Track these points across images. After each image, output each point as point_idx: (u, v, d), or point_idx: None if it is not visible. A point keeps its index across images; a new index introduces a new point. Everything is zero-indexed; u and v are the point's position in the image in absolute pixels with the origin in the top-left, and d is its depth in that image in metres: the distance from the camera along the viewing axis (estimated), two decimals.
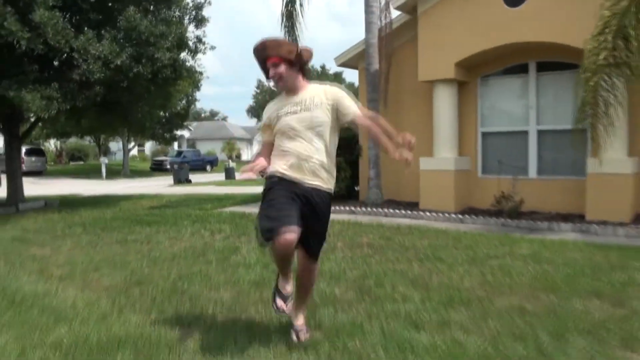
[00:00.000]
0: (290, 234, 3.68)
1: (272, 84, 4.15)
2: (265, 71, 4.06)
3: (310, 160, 3.95)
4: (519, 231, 9.51)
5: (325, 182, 4.05)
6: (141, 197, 18.57)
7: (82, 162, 53.91)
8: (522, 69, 11.90)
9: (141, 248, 8.43)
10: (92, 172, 40.04)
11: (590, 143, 9.85)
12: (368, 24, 13.09)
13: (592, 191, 10.25)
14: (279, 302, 4.14)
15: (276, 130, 4.07)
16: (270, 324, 4.68)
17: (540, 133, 11.66)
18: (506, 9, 11.05)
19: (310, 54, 4.11)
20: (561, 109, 11.21)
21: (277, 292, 4.19)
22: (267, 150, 4.22)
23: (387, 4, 12.92)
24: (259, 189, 4.62)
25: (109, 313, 5.13)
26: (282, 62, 3.92)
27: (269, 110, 4.18)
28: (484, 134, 12.36)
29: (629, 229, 9.31)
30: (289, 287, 4.18)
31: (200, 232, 9.89)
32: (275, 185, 3.93)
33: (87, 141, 51.80)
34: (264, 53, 3.97)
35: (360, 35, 12.93)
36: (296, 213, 3.81)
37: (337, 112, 4.02)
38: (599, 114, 9.39)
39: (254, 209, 12.87)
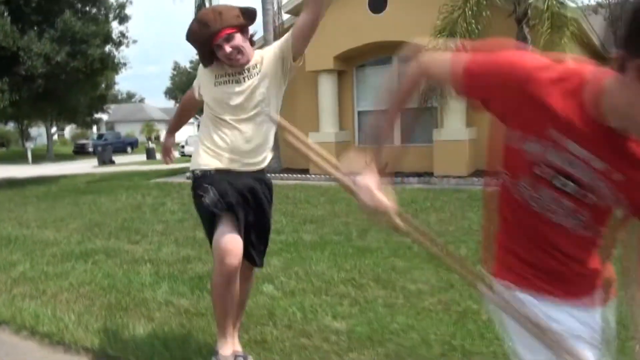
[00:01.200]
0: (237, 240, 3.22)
1: (229, 63, 3.24)
2: (208, 54, 3.26)
3: (248, 147, 3.29)
4: None
5: (265, 159, 3.45)
6: (74, 176, 20.79)
7: (4, 149, 54.38)
8: (388, 61, 14.94)
9: (90, 207, 11.02)
10: (17, 158, 41.12)
11: (437, 118, 13.06)
12: (265, 24, 15.88)
13: (438, 154, 13.43)
14: None
15: (208, 100, 3.34)
16: (193, 241, 7.47)
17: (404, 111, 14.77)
18: (371, 15, 14.13)
19: (254, 13, 3.33)
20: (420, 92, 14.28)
21: None
22: (183, 113, 3.91)
23: (279, 9, 15.74)
24: (179, 166, 6.31)
25: (81, 240, 7.80)
26: (235, 30, 3.16)
27: (204, 73, 3.41)
28: (360, 112, 15.45)
29: (459, 180, 12.51)
30: (233, 348, 3.52)
31: (133, 196, 12.49)
32: (206, 182, 3.25)
33: (9, 127, 52.23)
34: (209, 30, 3.13)
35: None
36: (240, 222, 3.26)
37: (284, 59, 3.31)
38: (438, 98, 12.57)
39: (175, 179, 15.55)
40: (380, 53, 14.84)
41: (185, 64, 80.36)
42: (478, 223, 7.71)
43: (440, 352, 3.74)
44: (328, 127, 15.13)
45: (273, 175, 14.84)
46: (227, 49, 3.15)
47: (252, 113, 3.28)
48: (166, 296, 5.05)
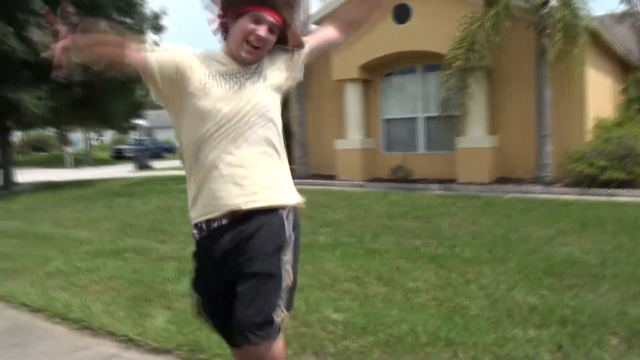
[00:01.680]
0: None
1: (240, 47, 2.36)
2: (232, 13, 2.37)
3: (250, 179, 2.33)
4: (401, 191, 12.90)
5: (275, 196, 2.42)
6: (110, 180, 21.53)
7: (45, 153, 55.76)
8: (413, 70, 15.34)
9: (123, 209, 11.61)
10: (56, 162, 42.24)
11: (460, 126, 13.40)
12: None
13: (461, 161, 13.73)
14: None
15: (196, 109, 2.33)
16: None
17: (426, 119, 15.14)
18: (396, 26, 14.51)
19: (302, 44, 2.55)
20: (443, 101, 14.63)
21: None
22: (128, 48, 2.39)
23: (307, 19, 16.22)
24: None
25: (112, 239, 8.34)
26: (279, 29, 2.40)
27: (192, 61, 2.38)
28: (385, 120, 15.84)
29: (480, 186, 12.78)
30: None
31: (165, 199, 13.04)
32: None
33: (49, 132, 53.38)
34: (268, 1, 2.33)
35: None
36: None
37: (293, 72, 2.55)
38: (459, 105, 12.89)
39: None
40: (405, 62, 15.22)
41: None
42: (487, 228, 8.05)
43: (426, 341, 4.11)
44: (354, 135, 15.55)
45: (302, 181, 15.29)
46: (261, 31, 2.31)
47: (255, 133, 2.35)
48: (186, 289, 5.48)
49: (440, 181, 13.84)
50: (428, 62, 14.73)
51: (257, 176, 2.34)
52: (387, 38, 14.51)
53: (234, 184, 2.30)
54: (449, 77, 12.72)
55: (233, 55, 2.40)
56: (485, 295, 5.09)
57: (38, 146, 57.41)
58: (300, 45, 2.53)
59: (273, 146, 2.42)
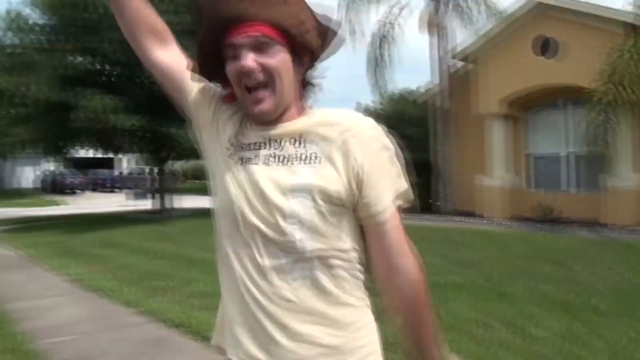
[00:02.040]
0: None
1: (240, 95, 1.48)
2: (211, 56, 1.49)
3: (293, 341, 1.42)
4: (543, 231, 12.40)
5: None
6: None
7: (201, 181, 59.02)
8: (558, 104, 14.92)
9: None
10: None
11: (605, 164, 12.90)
12: (440, 71, 16.56)
13: (607, 201, 13.10)
14: None
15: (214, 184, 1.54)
16: None
17: (572, 155, 14.62)
18: (539, 59, 14.26)
19: (334, 33, 1.53)
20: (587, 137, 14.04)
21: None
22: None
23: (451, 51, 16.35)
24: None
25: None
26: (279, 40, 1.43)
27: (220, 111, 1.57)
28: (530, 156, 15.48)
29: (626, 229, 12.00)
30: None
31: None
32: None
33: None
34: (234, 10, 1.40)
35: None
36: None
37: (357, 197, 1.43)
38: (605, 142, 12.42)
39: None
40: (549, 97, 14.83)
41: (367, 101, 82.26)
42: (625, 277, 7.65)
43: None
44: (497, 171, 15.35)
45: (443, 217, 15.21)
46: (248, 62, 1.41)
47: (293, 255, 1.42)
48: None
49: (585, 222, 13.23)
50: (574, 96, 14.27)
51: (305, 331, 1.43)
52: (530, 71, 14.29)
53: (267, 337, 1.44)
54: (594, 112, 12.29)
55: (255, 121, 1.53)
56: (606, 349, 4.92)
57: (195, 175, 60.72)
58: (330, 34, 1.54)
59: (331, 279, 1.45)
